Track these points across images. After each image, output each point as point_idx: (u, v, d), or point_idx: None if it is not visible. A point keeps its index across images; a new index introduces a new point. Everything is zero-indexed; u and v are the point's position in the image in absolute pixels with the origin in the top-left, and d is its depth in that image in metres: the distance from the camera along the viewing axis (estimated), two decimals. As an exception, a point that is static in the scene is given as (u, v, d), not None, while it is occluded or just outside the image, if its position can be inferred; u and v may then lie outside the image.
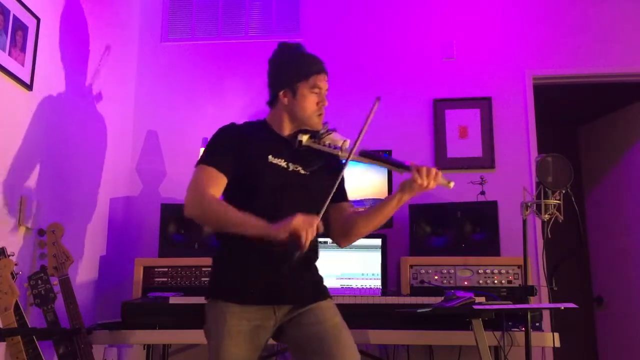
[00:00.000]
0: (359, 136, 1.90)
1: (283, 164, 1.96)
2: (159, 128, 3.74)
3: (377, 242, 3.09)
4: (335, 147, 1.96)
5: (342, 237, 2.06)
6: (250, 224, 1.79)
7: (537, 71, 3.59)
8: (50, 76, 2.85)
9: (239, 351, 1.86)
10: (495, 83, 3.60)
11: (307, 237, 1.69)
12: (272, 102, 2.04)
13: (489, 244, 3.00)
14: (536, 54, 3.61)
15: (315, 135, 1.98)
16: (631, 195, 3.96)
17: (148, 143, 3.72)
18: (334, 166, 1.99)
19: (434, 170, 1.88)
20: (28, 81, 2.64)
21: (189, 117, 3.73)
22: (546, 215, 2.64)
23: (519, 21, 3.66)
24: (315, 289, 1.99)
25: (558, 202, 2.64)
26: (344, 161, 1.92)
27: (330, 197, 1.82)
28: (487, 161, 3.46)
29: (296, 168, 1.97)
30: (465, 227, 3.06)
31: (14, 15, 2.55)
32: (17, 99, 2.59)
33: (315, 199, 1.85)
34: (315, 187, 1.93)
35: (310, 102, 1.98)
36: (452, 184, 1.89)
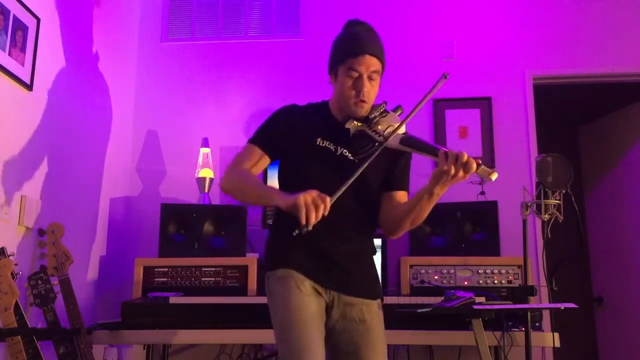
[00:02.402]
0: (402, 122, 1.78)
1: (331, 147, 1.89)
2: (159, 128, 3.74)
3: (377, 242, 3.07)
4: (380, 134, 1.79)
5: (387, 229, 1.95)
6: (261, 192, 1.84)
7: (537, 71, 3.59)
8: (51, 76, 2.85)
9: (312, 305, 1.80)
10: (495, 83, 3.60)
11: (309, 216, 1.59)
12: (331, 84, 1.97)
13: (488, 244, 3.00)
14: (536, 54, 3.61)
15: (365, 120, 1.85)
16: (631, 195, 3.96)
17: (148, 143, 3.72)
18: (386, 154, 1.84)
19: (464, 155, 1.64)
20: (28, 81, 2.64)
21: (189, 117, 3.73)
22: (546, 215, 2.63)
23: (519, 21, 3.66)
24: (362, 283, 1.91)
25: (558, 202, 2.64)
26: (376, 146, 1.78)
27: (348, 182, 1.69)
28: (487, 161, 3.45)
29: (345, 153, 1.89)
30: (465, 227, 3.06)
31: (14, 15, 2.55)
32: (17, 99, 2.59)
33: (358, 186, 1.76)
34: (361, 175, 1.78)
35: (346, 87, 1.85)
36: (494, 176, 1.64)
